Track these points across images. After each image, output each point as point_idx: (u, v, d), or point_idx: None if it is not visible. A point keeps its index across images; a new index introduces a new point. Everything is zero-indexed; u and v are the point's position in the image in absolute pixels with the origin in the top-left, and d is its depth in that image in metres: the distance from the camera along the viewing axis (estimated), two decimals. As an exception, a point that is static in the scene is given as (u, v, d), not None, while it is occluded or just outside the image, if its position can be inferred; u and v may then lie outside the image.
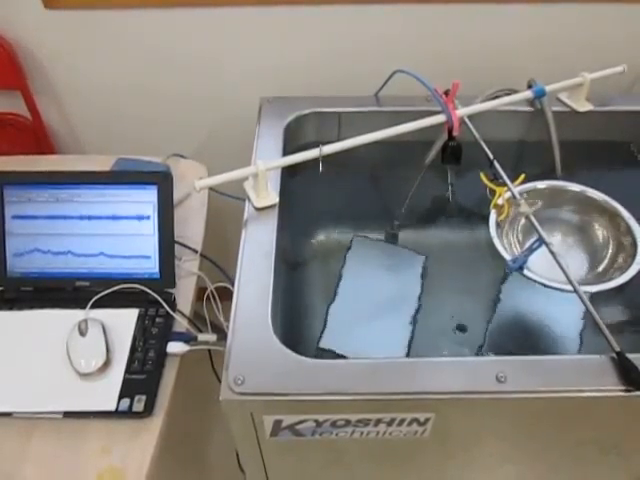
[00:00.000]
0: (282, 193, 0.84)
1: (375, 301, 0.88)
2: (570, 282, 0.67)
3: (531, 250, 0.75)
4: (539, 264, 0.78)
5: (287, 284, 0.87)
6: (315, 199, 0.97)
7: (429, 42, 1.00)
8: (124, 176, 0.77)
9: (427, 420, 0.63)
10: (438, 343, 0.85)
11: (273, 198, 0.78)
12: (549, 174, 0.92)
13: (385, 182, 1.00)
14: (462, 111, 0.84)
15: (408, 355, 0.79)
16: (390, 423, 0.64)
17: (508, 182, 0.78)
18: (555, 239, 0.88)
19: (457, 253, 0.92)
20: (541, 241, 0.72)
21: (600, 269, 0.83)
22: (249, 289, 0.68)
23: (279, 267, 0.78)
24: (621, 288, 0.77)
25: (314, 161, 0.94)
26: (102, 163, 0.93)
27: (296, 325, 0.85)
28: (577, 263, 0.85)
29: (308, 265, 0.93)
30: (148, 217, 0.74)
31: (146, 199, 0.74)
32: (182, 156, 0.99)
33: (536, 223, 0.73)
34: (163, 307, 0.73)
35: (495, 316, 0.85)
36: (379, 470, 0.76)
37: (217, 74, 1.02)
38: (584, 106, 0.92)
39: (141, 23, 0.94)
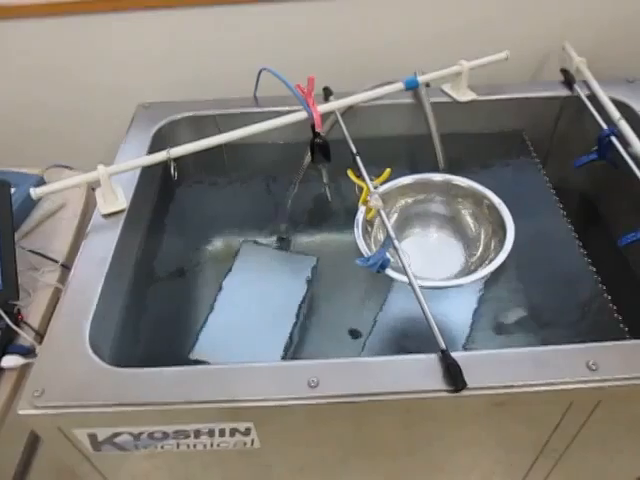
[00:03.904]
0: (149, 199, 0.81)
1: (256, 308, 0.85)
2: (407, 275, 0.63)
3: (385, 246, 0.71)
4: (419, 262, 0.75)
5: (158, 294, 0.84)
6: (198, 206, 0.95)
7: (313, 40, 0.98)
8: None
9: (248, 430, 0.60)
10: (323, 348, 0.82)
11: (121, 204, 0.75)
12: (434, 168, 0.88)
13: (270, 186, 0.97)
14: (324, 107, 0.81)
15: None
16: (211, 434, 0.60)
17: (365, 176, 0.74)
18: (431, 232, 0.84)
19: (339, 254, 0.88)
20: (389, 237, 0.68)
21: (476, 258, 0.79)
22: (75, 298, 0.65)
23: (128, 276, 0.76)
24: (497, 274, 0.73)
25: (195, 167, 0.92)
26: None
27: (166, 336, 0.82)
28: (455, 254, 0.81)
29: (190, 273, 0.90)
30: (-13, 228, 0.72)
31: (-16, 209, 0.72)
32: (67, 167, 0.97)
33: (384, 217, 0.70)
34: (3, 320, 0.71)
35: (378, 318, 0.81)
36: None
37: (101, 83, 1.00)
38: (465, 95, 0.88)
39: (21, 34, 0.94)
